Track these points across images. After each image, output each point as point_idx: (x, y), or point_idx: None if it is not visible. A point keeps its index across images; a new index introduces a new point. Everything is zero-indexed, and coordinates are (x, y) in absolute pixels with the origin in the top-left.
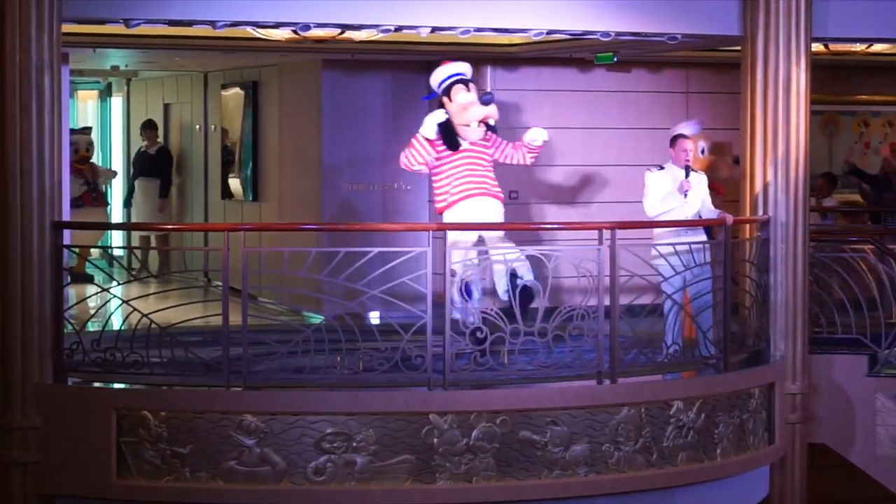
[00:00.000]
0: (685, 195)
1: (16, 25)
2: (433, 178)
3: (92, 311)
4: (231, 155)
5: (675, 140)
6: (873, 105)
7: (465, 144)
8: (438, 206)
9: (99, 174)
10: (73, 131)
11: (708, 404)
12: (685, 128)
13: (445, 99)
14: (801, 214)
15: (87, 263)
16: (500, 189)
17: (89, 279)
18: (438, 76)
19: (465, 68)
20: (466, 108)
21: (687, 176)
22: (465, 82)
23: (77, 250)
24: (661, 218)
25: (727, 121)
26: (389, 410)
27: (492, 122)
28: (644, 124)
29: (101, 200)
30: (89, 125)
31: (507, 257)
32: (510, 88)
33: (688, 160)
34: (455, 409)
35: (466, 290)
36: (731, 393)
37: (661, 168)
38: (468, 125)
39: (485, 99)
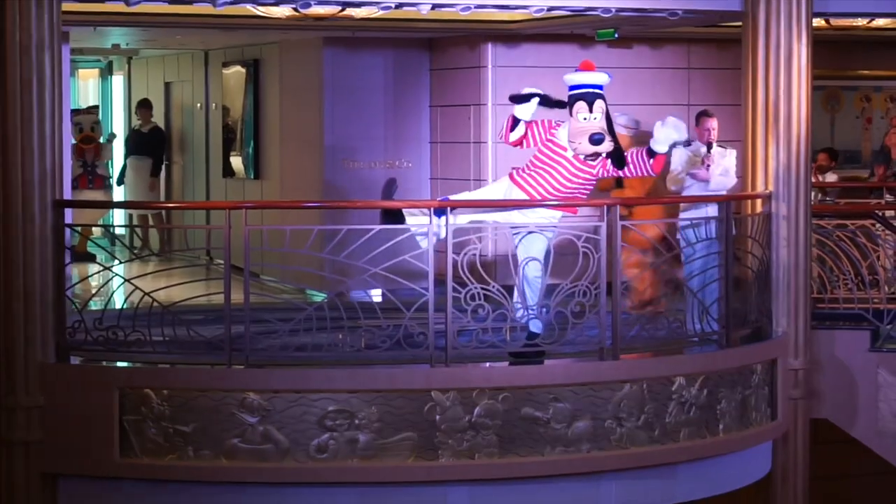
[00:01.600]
0: (707, 168)
1: (16, 3)
2: (535, 155)
3: (94, 290)
4: (232, 133)
5: (699, 118)
6: (875, 80)
7: (569, 154)
8: (516, 174)
9: (102, 157)
10: (78, 111)
11: (710, 380)
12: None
13: (569, 110)
14: (802, 190)
15: (89, 242)
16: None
17: (91, 258)
18: (571, 79)
19: (601, 79)
20: (576, 134)
21: (709, 151)
22: (590, 100)
23: (79, 230)
24: (683, 193)
25: (729, 97)
26: (392, 388)
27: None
28: (645, 101)
29: (100, 182)
30: (96, 104)
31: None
32: (511, 65)
33: (710, 138)
34: (457, 385)
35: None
36: (733, 369)
37: (688, 145)
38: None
39: (595, 138)
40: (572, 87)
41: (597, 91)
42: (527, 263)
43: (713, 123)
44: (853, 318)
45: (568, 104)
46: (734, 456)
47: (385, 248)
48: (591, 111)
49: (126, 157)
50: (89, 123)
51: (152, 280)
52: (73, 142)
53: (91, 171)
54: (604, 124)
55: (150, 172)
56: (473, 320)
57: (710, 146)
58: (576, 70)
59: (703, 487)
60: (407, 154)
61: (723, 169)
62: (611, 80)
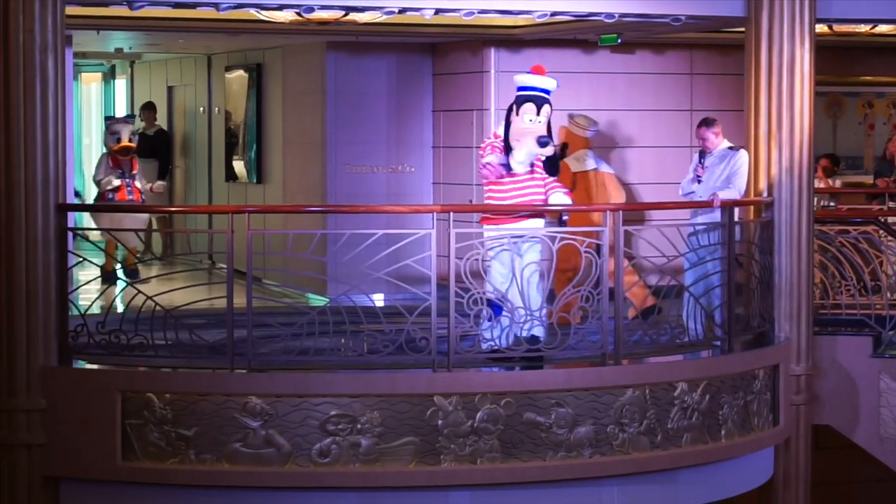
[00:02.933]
0: (698, 180)
1: (20, 7)
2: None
3: (97, 295)
4: (235, 137)
5: (698, 127)
6: (878, 86)
7: (519, 169)
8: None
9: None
10: (115, 119)
11: (712, 386)
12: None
13: (515, 108)
14: (805, 196)
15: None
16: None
17: (135, 275)
18: (520, 81)
19: (550, 85)
20: (521, 133)
21: (700, 160)
22: (540, 103)
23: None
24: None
25: (731, 102)
26: (394, 392)
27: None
28: (648, 106)
29: (139, 194)
30: (132, 114)
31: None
32: (514, 70)
33: (705, 146)
34: (459, 390)
35: (493, 307)
36: (735, 374)
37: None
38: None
39: (542, 140)
40: (521, 88)
41: (545, 96)
42: (528, 269)
43: (704, 132)
44: (855, 324)
45: (515, 103)
46: (736, 461)
47: (388, 252)
48: (538, 113)
49: None
50: (127, 133)
51: (155, 284)
52: (106, 150)
53: (130, 183)
54: (545, 130)
55: (156, 175)
56: (476, 325)
57: (701, 155)
58: (528, 72)
59: (704, 493)
60: (409, 158)
61: (718, 180)
62: (558, 88)
